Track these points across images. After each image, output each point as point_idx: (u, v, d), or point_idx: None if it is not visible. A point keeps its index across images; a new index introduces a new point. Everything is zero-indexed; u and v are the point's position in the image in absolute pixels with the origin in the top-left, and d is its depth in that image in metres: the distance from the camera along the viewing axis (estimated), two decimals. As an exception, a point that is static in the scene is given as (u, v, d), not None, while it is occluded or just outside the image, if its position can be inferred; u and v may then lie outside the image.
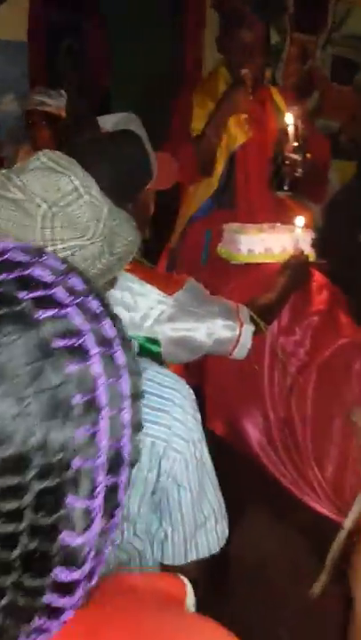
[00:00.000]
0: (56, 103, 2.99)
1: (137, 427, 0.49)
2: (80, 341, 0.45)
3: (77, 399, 0.44)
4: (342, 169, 3.67)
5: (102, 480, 0.46)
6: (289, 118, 2.17)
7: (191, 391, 1.00)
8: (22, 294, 0.44)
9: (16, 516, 0.42)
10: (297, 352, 2.08)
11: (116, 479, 0.47)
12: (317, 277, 2.09)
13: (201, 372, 2.20)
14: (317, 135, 2.65)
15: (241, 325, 1.51)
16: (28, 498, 0.42)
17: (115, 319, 0.49)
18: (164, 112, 2.46)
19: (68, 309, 0.45)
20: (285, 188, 2.24)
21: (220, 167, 2.37)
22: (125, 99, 3.83)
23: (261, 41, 2.32)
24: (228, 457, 1.82)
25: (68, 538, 0.44)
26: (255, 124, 2.38)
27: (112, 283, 1.04)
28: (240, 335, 1.51)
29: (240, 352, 1.54)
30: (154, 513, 0.98)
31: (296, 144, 2.16)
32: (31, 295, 0.44)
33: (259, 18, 2.28)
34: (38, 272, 0.46)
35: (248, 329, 1.53)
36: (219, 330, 1.47)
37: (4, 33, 3.59)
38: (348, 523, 1.72)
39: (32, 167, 0.95)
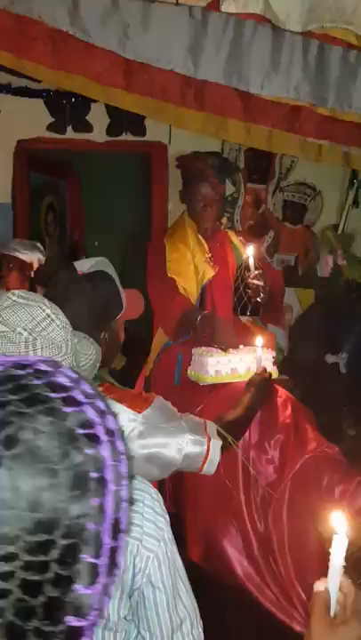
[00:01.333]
0: (28, 255, 3.33)
1: (131, 501, 0.61)
2: (94, 430, 0.58)
3: (93, 475, 0.56)
4: (302, 296, 4.01)
5: (107, 542, 0.56)
6: (249, 251, 2.44)
7: (159, 494, 1.06)
8: (52, 395, 0.58)
9: (44, 567, 0.52)
10: (268, 469, 2.13)
11: (117, 543, 0.58)
12: (281, 393, 2.24)
13: (180, 499, 2.24)
14: (271, 268, 2.97)
15: (209, 440, 1.55)
16: (55, 553, 0.53)
17: (115, 416, 0.65)
18: (133, 259, 2.75)
19: (84, 406, 0.59)
20: (248, 313, 2.48)
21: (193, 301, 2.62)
22: (97, 249, 4.19)
23: (219, 195, 2.67)
24: (210, 588, 1.78)
25: (80, 589, 0.53)
26: (218, 261, 2.68)
27: None
28: (208, 450, 1.54)
29: (209, 467, 1.57)
30: (131, 621, 1.00)
31: (256, 273, 2.41)
32: (58, 395, 0.59)
33: (218, 179, 2.65)
34: (61, 379, 0.60)
35: (216, 443, 1.56)
36: (187, 445, 1.50)
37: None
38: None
39: (7, 304, 1.16)
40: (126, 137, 4.21)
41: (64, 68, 2.74)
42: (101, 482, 0.56)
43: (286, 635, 1.98)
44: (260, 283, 2.41)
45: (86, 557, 0.54)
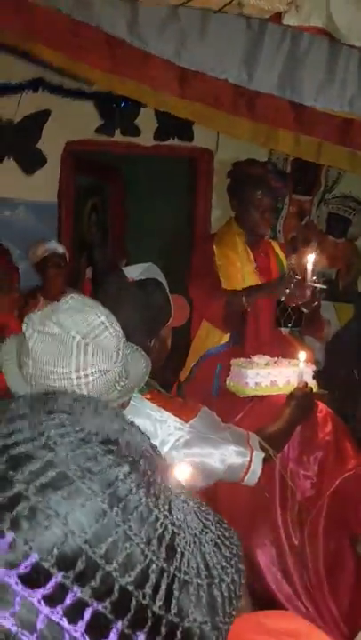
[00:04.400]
0: (62, 250, 3.51)
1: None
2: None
3: None
4: (341, 311, 3.96)
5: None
6: (310, 257, 2.38)
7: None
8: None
9: None
10: (305, 484, 2.12)
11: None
12: (322, 408, 2.21)
13: (211, 505, 2.24)
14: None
15: (251, 452, 1.56)
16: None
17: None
18: (174, 264, 2.75)
19: None
20: (290, 325, 2.46)
21: None
22: (140, 251, 4.21)
23: (276, 203, 2.67)
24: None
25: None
26: (262, 271, 2.67)
27: (124, 405, 1.22)
28: (251, 461, 1.56)
29: (251, 478, 1.58)
30: None
31: (315, 278, 2.37)
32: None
33: (280, 186, 2.64)
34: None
35: (258, 455, 1.58)
36: (231, 456, 1.52)
37: (38, 195, 4.09)
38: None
39: (64, 307, 1.18)
40: (173, 142, 4.24)
41: (119, 73, 2.77)
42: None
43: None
44: (324, 286, 2.38)
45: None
